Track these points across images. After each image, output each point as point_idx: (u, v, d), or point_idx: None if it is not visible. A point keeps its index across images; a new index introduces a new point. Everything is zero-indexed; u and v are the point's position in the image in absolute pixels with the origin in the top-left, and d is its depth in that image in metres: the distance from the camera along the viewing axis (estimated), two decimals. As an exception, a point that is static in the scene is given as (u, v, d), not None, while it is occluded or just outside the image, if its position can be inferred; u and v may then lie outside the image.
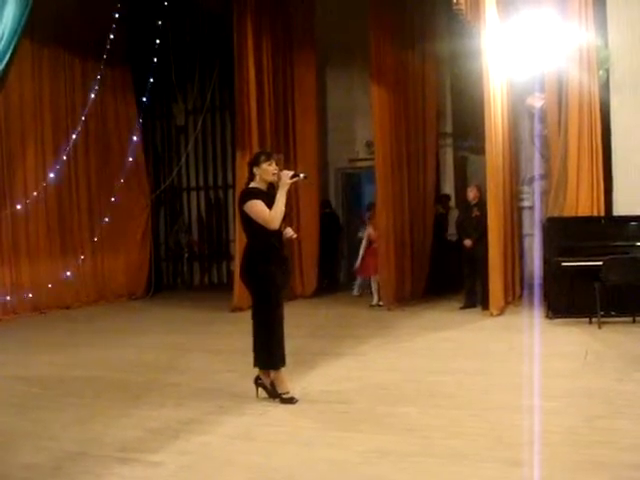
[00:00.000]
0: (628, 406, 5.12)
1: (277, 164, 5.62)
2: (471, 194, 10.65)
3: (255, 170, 5.52)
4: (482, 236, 9.99)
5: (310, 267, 12.84)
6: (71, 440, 4.79)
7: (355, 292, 12.58)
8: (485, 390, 5.78)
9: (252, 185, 5.55)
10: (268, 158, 5.55)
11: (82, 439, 4.80)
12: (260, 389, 5.67)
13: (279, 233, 5.53)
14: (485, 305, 9.98)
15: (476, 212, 10.44)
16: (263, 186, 5.53)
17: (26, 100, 11.87)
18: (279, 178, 5.47)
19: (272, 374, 5.59)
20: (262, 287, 5.47)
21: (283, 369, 5.58)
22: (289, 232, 5.71)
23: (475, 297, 10.58)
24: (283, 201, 5.39)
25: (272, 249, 5.49)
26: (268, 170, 5.49)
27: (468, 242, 10.42)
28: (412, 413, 5.17)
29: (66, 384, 6.58)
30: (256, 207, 5.38)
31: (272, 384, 5.60)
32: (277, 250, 5.55)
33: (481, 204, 10.35)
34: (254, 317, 5.59)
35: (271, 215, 5.35)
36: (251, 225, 5.46)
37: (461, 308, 10.53)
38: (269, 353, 5.52)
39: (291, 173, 5.52)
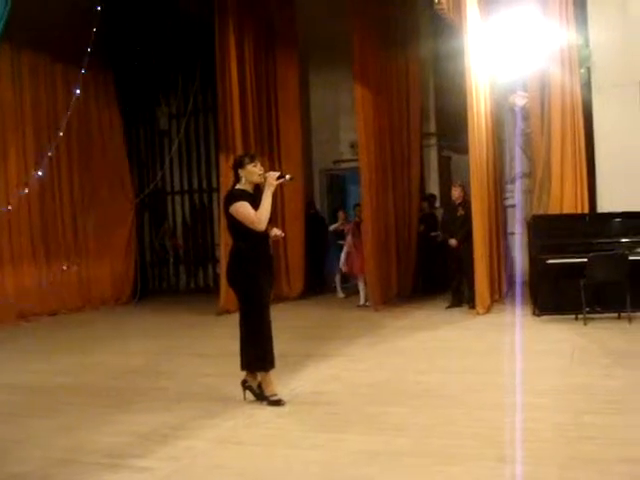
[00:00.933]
0: (615, 401, 5.15)
1: (262, 165, 5.61)
2: (455, 193, 10.67)
3: (240, 172, 5.50)
4: (467, 235, 10.02)
5: (296, 269, 12.83)
6: (58, 447, 4.75)
7: (340, 295, 12.56)
8: (473, 388, 5.79)
9: (238, 187, 5.53)
10: (252, 160, 5.53)
11: (70, 446, 4.76)
12: (247, 392, 5.64)
13: (265, 234, 5.52)
14: (471, 304, 10.00)
15: (460, 211, 10.47)
16: (249, 188, 5.51)
17: (6, 106, 11.77)
18: (265, 179, 5.45)
19: (260, 376, 5.57)
20: (249, 289, 5.45)
21: (272, 371, 5.57)
22: (275, 231, 5.70)
23: (461, 296, 10.60)
24: (269, 202, 5.38)
25: (258, 250, 5.48)
26: (253, 172, 5.48)
27: (453, 241, 10.45)
28: (401, 413, 5.17)
29: (52, 391, 6.52)
30: (242, 209, 5.36)
31: (259, 386, 5.58)
32: (263, 251, 5.54)
33: (465, 203, 10.38)
34: (241, 319, 5.57)
35: (257, 216, 5.34)
36: (237, 227, 5.44)
37: (447, 307, 10.55)
38: (257, 355, 5.50)
39: (277, 174, 5.50)
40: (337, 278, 12.61)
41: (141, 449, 4.61)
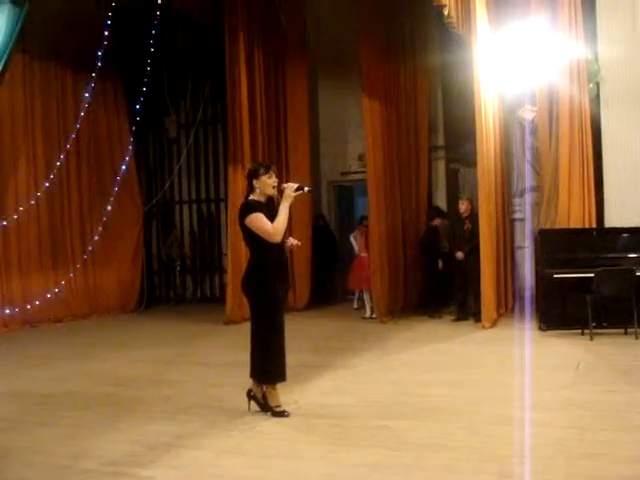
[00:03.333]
0: (620, 418, 5.13)
1: (276, 177, 5.58)
2: (463, 207, 10.67)
3: (255, 183, 5.47)
4: (474, 248, 10.01)
5: (303, 280, 12.82)
6: (61, 454, 4.76)
7: (355, 305, 12.49)
8: (477, 403, 5.77)
9: (251, 198, 5.50)
10: (267, 171, 5.49)
11: (72, 453, 4.76)
12: (252, 402, 5.64)
13: (281, 245, 5.49)
14: (477, 317, 9.97)
15: (468, 224, 10.46)
16: (262, 199, 5.48)
17: (18, 113, 11.86)
18: (279, 191, 5.44)
19: (265, 387, 5.57)
20: (263, 299, 5.43)
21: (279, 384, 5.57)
22: (292, 240, 5.69)
23: (467, 310, 10.57)
24: (286, 214, 5.36)
25: (274, 261, 5.46)
26: (268, 183, 5.45)
27: (460, 254, 10.43)
28: (404, 426, 5.15)
29: (57, 398, 6.53)
30: (257, 220, 5.33)
31: (264, 397, 5.57)
32: (279, 261, 5.52)
33: (473, 216, 10.37)
34: (253, 329, 5.55)
35: (274, 228, 5.32)
36: (253, 238, 5.42)
37: (453, 321, 10.53)
38: (266, 367, 5.49)
39: (295, 186, 5.44)
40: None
41: (144, 458, 4.61)
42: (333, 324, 11.06)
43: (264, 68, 12.18)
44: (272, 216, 5.35)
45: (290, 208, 5.48)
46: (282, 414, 5.46)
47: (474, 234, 10.14)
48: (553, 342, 8.49)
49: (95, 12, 12.17)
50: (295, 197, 5.44)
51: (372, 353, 8.24)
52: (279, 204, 5.43)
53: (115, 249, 13.64)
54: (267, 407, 5.54)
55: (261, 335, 5.48)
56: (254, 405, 5.62)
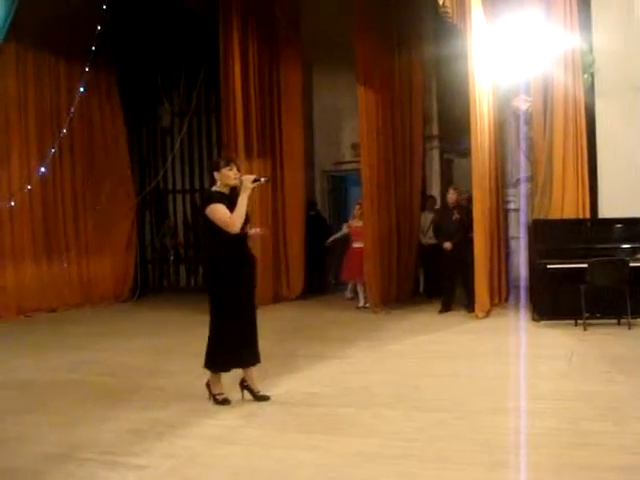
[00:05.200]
0: (613, 408, 5.14)
1: (238, 169, 5.68)
2: (453, 197, 10.66)
3: (216, 175, 5.62)
4: (462, 239, 10.03)
5: (296, 269, 12.82)
6: (54, 443, 4.76)
7: (348, 294, 12.49)
8: (470, 392, 5.79)
9: (214, 189, 5.63)
10: (228, 163, 5.63)
11: (65, 442, 4.76)
12: (245, 391, 5.69)
13: (242, 236, 5.59)
14: (471, 307, 9.98)
15: (456, 215, 10.46)
16: (225, 190, 5.59)
17: (10, 102, 11.77)
18: (240, 183, 5.53)
19: (210, 374, 5.68)
20: (221, 290, 5.53)
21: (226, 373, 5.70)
22: (256, 230, 5.92)
23: (453, 300, 10.58)
24: (245, 205, 5.47)
25: (233, 252, 5.55)
26: (228, 175, 5.56)
27: (448, 245, 10.40)
28: (397, 416, 5.17)
29: (50, 387, 6.53)
30: (217, 210, 5.45)
31: (208, 384, 5.69)
32: (239, 252, 5.61)
33: (461, 207, 10.38)
34: (210, 319, 5.63)
35: (232, 218, 5.42)
36: (212, 228, 5.52)
37: (440, 312, 10.50)
38: (210, 353, 5.62)
39: (252, 177, 5.60)
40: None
41: (137, 447, 4.62)
42: (326, 313, 11.06)
43: (258, 57, 12.14)
44: (233, 207, 5.46)
45: (252, 199, 5.67)
46: (224, 402, 5.58)
47: (463, 225, 10.15)
48: (547, 332, 8.52)
49: (88, 1, 12.10)
50: (253, 188, 5.56)
51: (365, 343, 8.25)
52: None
53: (109, 238, 13.61)
54: (261, 397, 5.62)
55: (213, 323, 5.60)
56: (247, 394, 5.68)
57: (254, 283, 5.84)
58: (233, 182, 5.55)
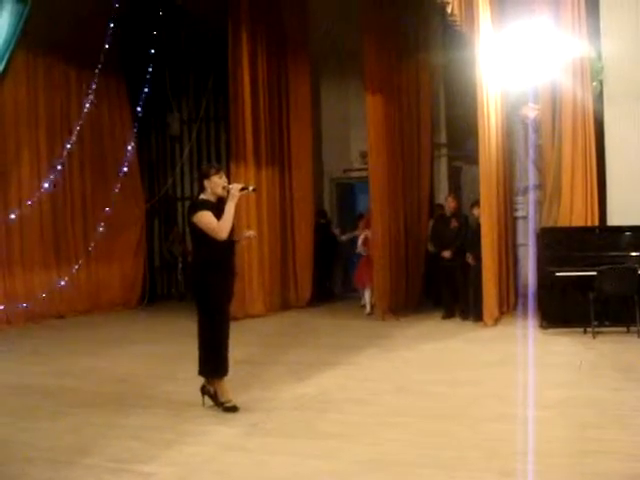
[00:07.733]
0: (622, 416, 5.12)
1: (226, 178, 5.77)
2: (452, 204, 10.67)
3: (205, 183, 5.68)
4: (461, 247, 10.04)
5: (304, 277, 12.80)
6: (62, 450, 4.76)
7: (363, 301, 12.31)
8: (479, 400, 5.77)
9: (202, 197, 5.69)
10: (218, 171, 5.72)
11: (73, 449, 4.77)
12: (206, 397, 5.76)
13: (229, 244, 5.66)
14: (479, 316, 9.94)
15: (454, 223, 10.44)
16: (213, 198, 5.66)
17: (21, 109, 11.84)
18: (228, 191, 5.60)
19: (215, 382, 5.69)
20: (205, 297, 5.61)
21: (225, 378, 5.71)
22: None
23: (454, 308, 10.58)
24: (232, 212, 5.54)
25: (220, 259, 5.62)
26: (218, 183, 5.64)
27: (447, 253, 10.41)
28: (405, 423, 5.15)
29: (58, 393, 6.54)
30: (204, 218, 5.51)
31: (215, 393, 5.69)
32: (225, 260, 5.68)
33: (459, 214, 10.36)
34: (199, 326, 5.69)
35: (219, 226, 5.49)
36: (199, 236, 5.58)
37: (443, 317, 10.50)
38: (210, 363, 5.65)
39: (240, 186, 5.71)
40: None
41: (145, 454, 4.62)
42: (334, 321, 11.06)
43: (267, 65, 12.15)
44: (220, 215, 5.52)
45: (236, 207, 5.60)
46: (233, 409, 5.59)
47: (461, 232, 10.14)
48: (555, 340, 8.49)
49: (99, 8, 12.16)
50: (240, 196, 5.66)
51: (373, 350, 8.24)
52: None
53: (117, 245, 13.64)
54: (219, 402, 5.68)
55: (205, 333, 5.66)
56: (208, 400, 5.75)
57: (233, 291, 5.91)
58: (221, 191, 5.63)
